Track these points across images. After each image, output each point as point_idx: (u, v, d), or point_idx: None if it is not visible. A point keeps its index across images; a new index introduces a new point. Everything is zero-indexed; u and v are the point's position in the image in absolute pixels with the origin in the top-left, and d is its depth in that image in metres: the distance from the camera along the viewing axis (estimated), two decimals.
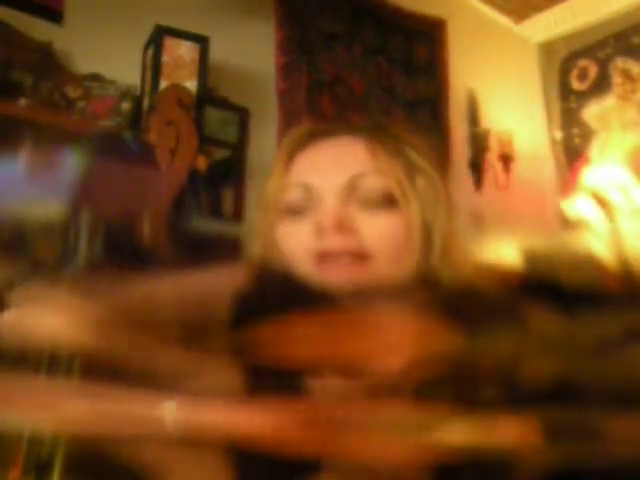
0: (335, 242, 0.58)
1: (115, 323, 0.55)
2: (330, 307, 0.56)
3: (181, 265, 0.63)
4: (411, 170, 0.62)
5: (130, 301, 0.60)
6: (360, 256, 0.58)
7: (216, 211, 1.96)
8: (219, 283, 0.65)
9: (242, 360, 0.56)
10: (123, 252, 1.41)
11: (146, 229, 1.50)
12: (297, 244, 0.61)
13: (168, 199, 1.61)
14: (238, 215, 2.02)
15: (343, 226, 0.58)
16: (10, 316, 0.59)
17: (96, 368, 0.55)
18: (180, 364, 0.55)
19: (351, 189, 0.60)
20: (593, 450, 0.51)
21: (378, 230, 0.59)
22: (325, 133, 0.65)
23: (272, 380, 0.56)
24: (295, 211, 0.62)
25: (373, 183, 0.60)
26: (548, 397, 0.53)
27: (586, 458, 0.51)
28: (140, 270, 0.62)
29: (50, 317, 0.56)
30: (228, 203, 2.01)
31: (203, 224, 1.79)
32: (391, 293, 0.59)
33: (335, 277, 0.59)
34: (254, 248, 0.66)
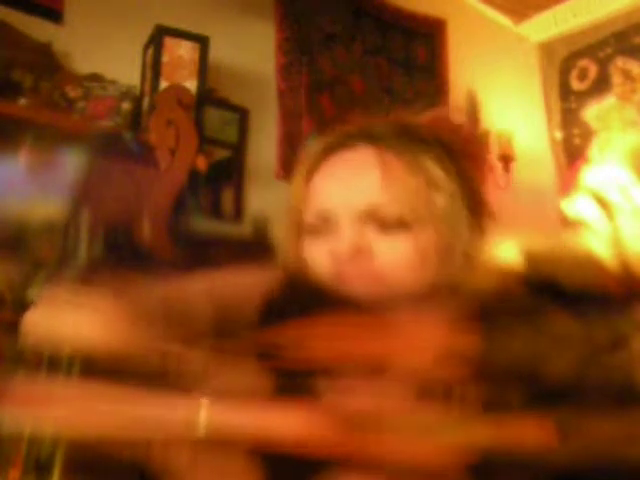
0: (351, 268, 0.60)
1: (147, 324, 0.55)
2: (355, 312, 0.58)
3: (181, 265, 0.63)
4: (430, 187, 0.61)
5: (162, 301, 0.61)
6: (376, 277, 0.60)
7: (216, 211, 1.97)
8: (249, 285, 0.66)
9: (269, 361, 0.57)
10: (123, 252, 1.41)
11: (146, 229, 1.50)
12: (317, 263, 0.63)
13: (168, 199, 1.61)
14: (238, 215, 2.02)
15: (359, 254, 0.60)
16: (35, 316, 0.58)
17: (110, 370, 0.55)
18: (208, 364, 0.56)
19: (367, 216, 0.61)
20: (600, 449, 0.51)
21: (393, 254, 0.60)
22: (341, 146, 0.65)
23: (299, 381, 0.57)
24: (314, 233, 0.63)
25: (389, 211, 0.60)
26: (567, 397, 0.53)
27: (593, 457, 0.51)
28: (140, 270, 0.62)
29: (81, 318, 0.56)
30: (228, 203, 2.01)
31: (203, 224, 1.79)
32: (411, 300, 0.61)
33: (354, 292, 0.60)
34: (283, 260, 0.67)
